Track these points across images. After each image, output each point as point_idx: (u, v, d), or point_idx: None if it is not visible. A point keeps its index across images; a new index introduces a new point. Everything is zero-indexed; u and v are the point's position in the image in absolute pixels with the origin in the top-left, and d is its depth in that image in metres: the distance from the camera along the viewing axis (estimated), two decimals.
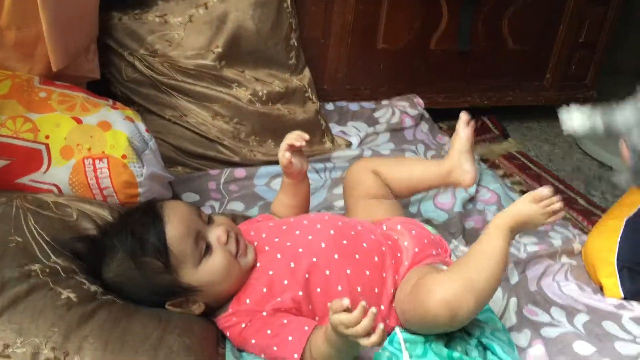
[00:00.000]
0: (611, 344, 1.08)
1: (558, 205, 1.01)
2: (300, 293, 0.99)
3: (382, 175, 1.26)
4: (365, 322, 0.81)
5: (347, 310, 0.82)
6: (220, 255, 0.98)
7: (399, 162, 1.31)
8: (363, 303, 0.82)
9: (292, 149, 1.13)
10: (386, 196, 1.26)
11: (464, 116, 1.23)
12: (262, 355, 0.97)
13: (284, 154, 1.13)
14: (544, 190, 1.01)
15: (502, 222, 1.01)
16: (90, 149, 1.14)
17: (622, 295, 1.20)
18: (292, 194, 1.21)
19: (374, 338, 0.81)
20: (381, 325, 0.82)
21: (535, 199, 1.01)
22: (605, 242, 1.23)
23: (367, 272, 1.04)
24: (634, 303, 1.19)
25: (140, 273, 0.94)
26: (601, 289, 1.23)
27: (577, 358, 1.04)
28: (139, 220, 0.97)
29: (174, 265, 0.95)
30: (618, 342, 1.08)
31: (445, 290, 0.92)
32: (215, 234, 0.99)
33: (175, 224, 0.95)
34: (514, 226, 1.01)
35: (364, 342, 0.82)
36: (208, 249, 0.98)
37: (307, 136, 1.13)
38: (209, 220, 1.02)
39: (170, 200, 1.04)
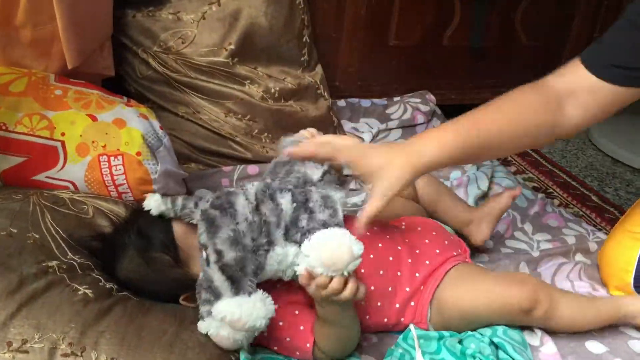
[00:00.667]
0: (624, 343, 1.08)
1: None
2: None
3: (416, 183, 1.28)
4: (335, 282, 0.85)
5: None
6: None
7: (434, 182, 1.33)
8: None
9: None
10: (411, 198, 1.27)
11: (518, 190, 1.28)
12: (275, 348, 0.98)
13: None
14: None
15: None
16: (106, 146, 1.15)
17: None
18: None
19: (347, 291, 0.86)
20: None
21: None
22: (622, 258, 1.19)
23: (381, 272, 1.04)
24: None
25: (151, 269, 0.95)
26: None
27: (589, 357, 1.04)
28: (146, 216, 0.98)
29: (183, 258, 0.96)
30: (631, 341, 1.08)
31: (536, 283, 1.02)
32: None
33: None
34: None
35: (343, 295, 0.86)
36: None
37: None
38: None
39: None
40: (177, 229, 0.96)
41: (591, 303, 1.09)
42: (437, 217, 1.29)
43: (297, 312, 0.98)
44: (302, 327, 0.96)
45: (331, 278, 0.85)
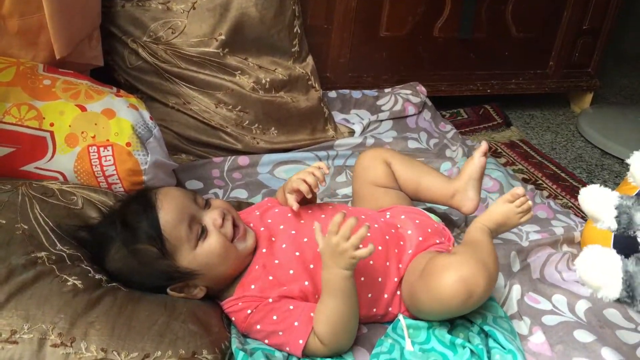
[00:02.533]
0: (612, 332, 1.09)
1: (529, 204, 1.09)
2: (307, 283, 1.00)
3: (394, 168, 1.27)
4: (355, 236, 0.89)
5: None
6: (216, 238, 0.98)
7: (412, 163, 1.31)
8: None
9: (301, 195, 1.08)
10: (393, 187, 1.27)
11: (484, 144, 1.24)
12: (266, 341, 0.98)
13: (292, 202, 1.07)
14: (518, 190, 1.09)
15: (482, 225, 1.08)
16: (95, 137, 1.14)
17: None
18: None
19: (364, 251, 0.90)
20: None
21: (510, 199, 1.08)
22: (601, 231, 1.23)
23: (371, 262, 1.04)
24: None
25: (136, 260, 0.95)
26: None
27: (577, 346, 1.05)
28: (131, 208, 0.97)
29: (170, 250, 0.96)
30: (619, 331, 1.09)
31: (462, 269, 0.94)
32: (211, 217, 1.00)
33: (168, 210, 0.96)
34: (493, 227, 1.09)
35: (359, 253, 0.90)
36: (203, 232, 0.99)
37: (323, 180, 1.09)
38: (206, 204, 1.03)
39: (164, 187, 1.04)
40: (164, 220, 0.95)
41: (486, 247, 1.04)
42: (421, 198, 1.29)
43: (291, 307, 0.98)
44: (296, 323, 0.96)
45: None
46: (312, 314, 0.96)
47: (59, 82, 1.19)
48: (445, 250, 1.11)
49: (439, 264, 0.98)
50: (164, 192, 1.00)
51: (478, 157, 1.23)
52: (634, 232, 1.05)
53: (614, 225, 1.08)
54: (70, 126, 1.14)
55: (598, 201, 1.10)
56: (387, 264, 1.06)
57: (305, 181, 1.06)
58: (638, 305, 0.87)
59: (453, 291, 0.93)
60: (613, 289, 0.87)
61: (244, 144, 1.57)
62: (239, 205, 1.31)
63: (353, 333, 0.98)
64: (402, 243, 1.09)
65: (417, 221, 1.14)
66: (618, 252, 1.18)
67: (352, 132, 1.74)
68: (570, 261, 1.27)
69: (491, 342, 1.00)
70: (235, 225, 1.02)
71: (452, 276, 0.93)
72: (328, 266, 0.93)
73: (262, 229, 1.07)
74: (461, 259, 0.97)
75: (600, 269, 0.86)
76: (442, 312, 1.00)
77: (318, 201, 1.36)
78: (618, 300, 0.91)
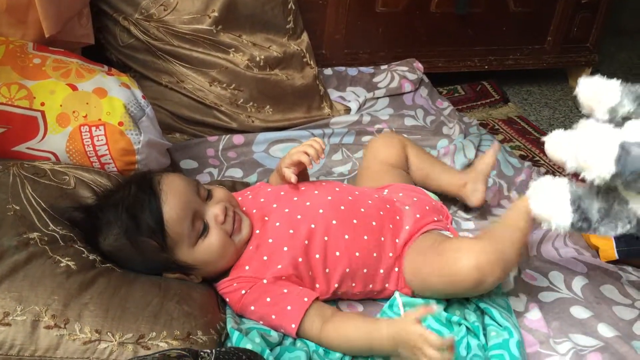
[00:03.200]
0: (608, 308, 1.09)
1: None
2: (300, 259, 1.00)
3: (408, 153, 1.29)
4: (447, 357, 0.82)
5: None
6: (217, 236, 0.98)
7: (426, 153, 1.35)
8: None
9: (301, 167, 1.09)
10: (402, 167, 1.27)
11: (496, 145, 1.30)
12: (261, 322, 0.98)
13: (290, 175, 1.07)
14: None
15: (522, 213, 0.99)
16: (87, 116, 1.13)
17: (617, 256, 1.20)
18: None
19: None
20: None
21: None
22: None
23: (365, 237, 1.04)
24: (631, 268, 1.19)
25: (135, 250, 0.95)
26: (598, 253, 1.24)
27: (573, 322, 1.05)
28: (135, 196, 0.95)
29: (170, 245, 0.95)
30: (616, 307, 1.09)
31: (479, 255, 0.94)
32: (213, 213, 0.99)
33: (173, 205, 0.95)
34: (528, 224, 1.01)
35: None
36: (205, 229, 0.98)
37: (322, 154, 1.08)
38: (208, 195, 1.02)
39: (168, 175, 1.02)
40: (168, 215, 0.94)
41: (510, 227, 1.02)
42: (430, 185, 1.29)
43: (285, 291, 0.97)
44: (289, 307, 0.96)
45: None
46: (305, 299, 0.96)
47: (49, 60, 1.17)
48: (443, 228, 1.10)
49: (457, 247, 0.98)
50: (168, 182, 0.98)
51: (491, 155, 1.27)
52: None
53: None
54: (61, 106, 1.12)
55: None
56: (382, 239, 1.05)
57: (306, 153, 1.06)
58: (597, 228, 0.81)
59: (467, 276, 0.94)
60: (564, 215, 0.81)
61: (238, 123, 1.55)
62: (234, 185, 1.30)
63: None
64: (398, 218, 1.09)
65: (415, 199, 1.13)
66: (621, 246, 1.16)
67: (348, 110, 1.72)
68: (567, 238, 1.27)
69: (487, 319, 1.00)
70: (233, 218, 1.01)
71: (469, 262, 0.94)
72: (393, 331, 0.88)
73: (254, 211, 1.06)
74: (482, 246, 0.96)
75: (548, 198, 0.81)
76: (450, 292, 1.00)
77: (312, 179, 1.36)
78: (577, 229, 0.84)
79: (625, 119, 0.85)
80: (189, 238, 0.96)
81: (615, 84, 0.88)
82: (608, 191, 0.81)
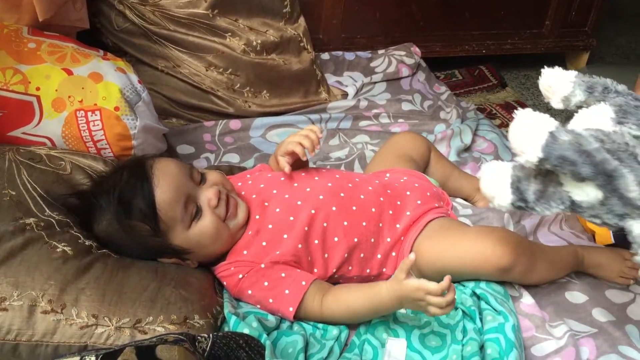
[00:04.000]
0: (603, 292, 1.09)
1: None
2: (300, 246, 1.00)
3: (431, 155, 1.30)
4: (449, 297, 0.87)
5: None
6: (210, 219, 0.98)
7: (447, 160, 1.38)
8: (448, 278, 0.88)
9: (295, 157, 1.08)
10: (418, 162, 1.27)
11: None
12: (258, 306, 0.98)
13: (284, 164, 1.06)
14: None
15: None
16: (82, 101, 1.12)
17: (613, 240, 1.20)
18: None
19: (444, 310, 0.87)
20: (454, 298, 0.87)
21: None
22: None
23: (364, 223, 1.04)
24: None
25: (128, 235, 0.94)
26: (594, 238, 1.24)
27: (568, 307, 1.06)
28: (127, 180, 0.95)
29: (163, 229, 0.95)
30: (610, 290, 1.10)
31: (513, 241, 1.00)
32: (206, 197, 0.99)
33: (165, 188, 0.94)
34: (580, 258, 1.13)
35: (432, 310, 0.87)
36: (198, 212, 0.98)
37: (319, 143, 1.08)
38: (201, 179, 1.01)
39: (160, 159, 1.01)
40: (160, 199, 0.94)
41: (558, 255, 1.10)
42: (444, 185, 1.29)
43: (283, 275, 0.98)
44: (287, 291, 0.96)
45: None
46: (303, 283, 0.96)
47: (44, 45, 1.17)
48: (444, 214, 1.11)
49: (488, 229, 1.04)
50: (160, 166, 0.98)
51: None
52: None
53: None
54: (56, 90, 1.12)
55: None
56: (380, 225, 1.06)
57: (301, 144, 1.05)
58: (533, 207, 0.85)
59: (500, 257, 0.99)
60: (504, 195, 0.86)
61: (235, 108, 1.54)
62: (231, 169, 1.30)
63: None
64: (399, 203, 1.09)
65: (416, 184, 1.14)
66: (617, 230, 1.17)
67: (345, 95, 1.71)
68: (564, 222, 1.28)
69: (483, 304, 1.01)
70: (227, 202, 1.01)
71: (504, 244, 0.99)
72: (393, 293, 0.91)
73: (254, 196, 1.06)
74: (515, 235, 1.03)
75: (493, 180, 0.86)
76: (472, 274, 1.03)
77: (310, 165, 1.35)
78: (516, 207, 0.87)
79: (580, 107, 0.92)
80: (182, 222, 0.96)
81: (570, 75, 0.94)
82: (547, 174, 0.85)
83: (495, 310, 0.99)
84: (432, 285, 0.86)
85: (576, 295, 1.08)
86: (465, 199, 1.31)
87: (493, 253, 0.99)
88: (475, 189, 1.29)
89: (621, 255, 1.11)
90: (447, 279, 0.87)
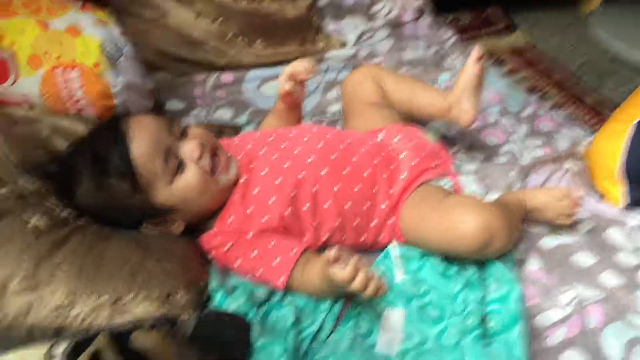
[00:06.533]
0: (611, 255, 1.04)
1: (575, 212, 1.04)
2: (287, 212, 0.95)
3: (385, 87, 1.20)
4: (360, 277, 0.79)
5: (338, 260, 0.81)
6: (193, 172, 0.92)
7: (404, 80, 1.23)
8: (353, 260, 0.80)
9: (295, 79, 1.07)
10: (384, 104, 1.19)
11: (476, 50, 1.13)
12: (247, 277, 0.94)
13: (284, 84, 1.07)
14: (575, 193, 1.04)
15: (519, 200, 1.05)
16: (60, 58, 1.06)
17: (622, 204, 1.14)
18: (283, 119, 1.15)
19: (369, 291, 0.80)
20: (375, 275, 0.81)
21: (558, 196, 1.04)
22: (609, 146, 1.16)
23: (356, 188, 0.99)
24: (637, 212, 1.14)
25: (108, 196, 0.89)
26: (603, 196, 1.18)
27: (575, 270, 1.01)
28: (101, 138, 0.90)
29: (144, 185, 0.90)
30: (619, 253, 1.04)
31: (488, 216, 0.91)
32: (188, 149, 0.93)
33: (141, 142, 0.89)
34: (528, 208, 1.05)
35: (363, 294, 0.81)
36: (180, 165, 0.92)
37: (314, 69, 1.08)
38: (183, 133, 0.95)
39: (136, 115, 0.96)
40: (137, 153, 0.88)
41: (516, 215, 1.03)
42: (416, 116, 1.21)
43: (272, 244, 0.93)
44: (277, 259, 0.91)
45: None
46: (293, 251, 0.91)
47: None
48: (441, 174, 1.06)
49: (464, 202, 0.95)
50: (136, 120, 0.93)
51: (471, 65, 1.13)
52: None
53: None
54: (32, 46, 1.06)
55: None
56: (374, 190, 1.01)
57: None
58: None
59: (472, 236, 0.91)
60: None
61: (227, 59, 1.47)
62: (221, 129, 1.24)
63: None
64: (393, 167, 1.04)
65: (409, 144, 1.07)
66: (629, 171, 1.12)
67: (344, 44, 1.63)
68: (572, 178, 1.21)
69: (486, 273, 0.96)
70: (215, 155, 0.96)
71: (476, 221, 0.90)
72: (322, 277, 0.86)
73: (239, 156, 1.00)
74: (491, 208, 0.94)
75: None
76: (449, 251, 0.96)
77: (307, 120, 1.29)
78: None
79: None
80: (163, 176, 0.90)
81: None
82: None
83: (498, 279, 0.94)
84: (328, 255, 0.81)
85: (583, 258, 1.03)
86: (440, 117, 1.19)
87: (466, 232, 0.90)
88: (446, 108, 1.15)
89: (557, 195, 1.04)
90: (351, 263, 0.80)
